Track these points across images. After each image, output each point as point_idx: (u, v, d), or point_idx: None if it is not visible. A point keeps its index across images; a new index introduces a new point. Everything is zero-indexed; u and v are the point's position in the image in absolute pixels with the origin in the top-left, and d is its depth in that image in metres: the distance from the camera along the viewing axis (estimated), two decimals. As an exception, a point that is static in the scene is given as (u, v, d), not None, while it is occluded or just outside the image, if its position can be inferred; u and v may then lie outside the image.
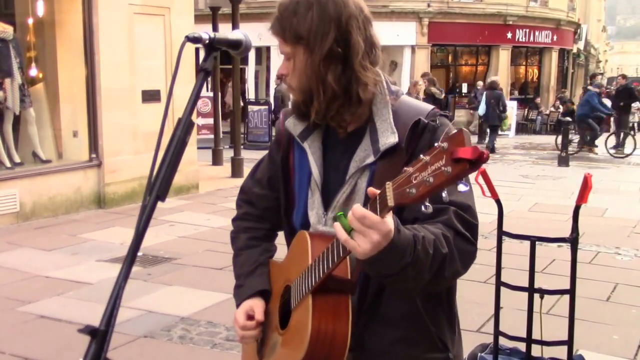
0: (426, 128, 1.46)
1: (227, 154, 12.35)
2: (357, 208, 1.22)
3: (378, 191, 1.22)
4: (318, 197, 1.58)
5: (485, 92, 16.92)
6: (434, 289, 1.48)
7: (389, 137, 1.48)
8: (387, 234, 1.21)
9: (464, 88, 25.45)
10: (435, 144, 1.09)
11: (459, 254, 1.40)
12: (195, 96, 1.35)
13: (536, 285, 2.90)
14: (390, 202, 1.16)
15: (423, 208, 1.13)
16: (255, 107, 16.58)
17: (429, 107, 1.55)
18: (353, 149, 1.54)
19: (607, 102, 18.21)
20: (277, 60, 21.31)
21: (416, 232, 1.32)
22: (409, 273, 1.30)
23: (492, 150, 15.94)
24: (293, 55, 1.50)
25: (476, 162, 1.03)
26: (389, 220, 1.22)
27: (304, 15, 1.45)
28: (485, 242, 6.20)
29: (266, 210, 1.79)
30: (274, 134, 1.93)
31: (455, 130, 1.07)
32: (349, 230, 1.23)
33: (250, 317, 1.66)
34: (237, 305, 1.71)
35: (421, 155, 1.11)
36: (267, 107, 16.37)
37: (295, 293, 1.51)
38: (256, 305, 1.67)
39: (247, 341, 1.69)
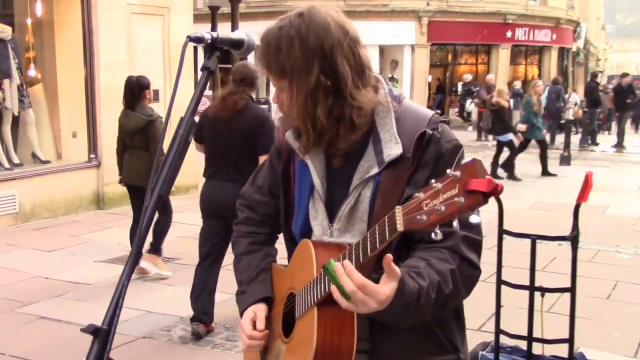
0: (431, 140, 1.46)
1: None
2: (355, 274, 1.25)
3: (391, 260, 1.24)
4: (322, 208, 1.57)
5: (547, 87, 17.33)
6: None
7: (392, 148, 1.47)
8: (385, 301, 1.25)
9: (461, 87, 25.47)
10: (448, 171, 1.09)
11: (462, 280, 1.42)
12: (199, 95, 1.35)
13: (537, 284, 2.90)
14: (400, 227, 1.17)
15: (433, 235, 1.13)
16: (255, 107, 16.55)
17: (430, 113, 1.54)
18: (356, 159, 1.53)
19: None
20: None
21: (421, 281, 1.34)
22: (408, 320, 1.37)
23: (551, 141, 16.33)
24: (282, 89, 1.50)
25: (490, 194, 1.03)
26: (388, 287, 1.25)
27: (287, 52, 1.43)
28: (486, 241, 6.12)
29: (266, 216, 1.78)
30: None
31: (469, 160, 1.07)
32: (348, 298, 1.25)
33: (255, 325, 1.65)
34: (241, 313, 1.69)
35: (433, 182, 1.11)
36: (267, 106, 16.34)
37: (300, 303, 1.50)
38: (259, 310, 1.65)
39: (253, 350, 1.67)
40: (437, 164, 1.44)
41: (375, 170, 1.48)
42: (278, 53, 1.44)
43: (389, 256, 1.23)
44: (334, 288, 1.26)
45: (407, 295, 1.29)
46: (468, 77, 21.56)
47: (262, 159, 3.86)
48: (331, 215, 1.55)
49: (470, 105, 21.01)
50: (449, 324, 1.56)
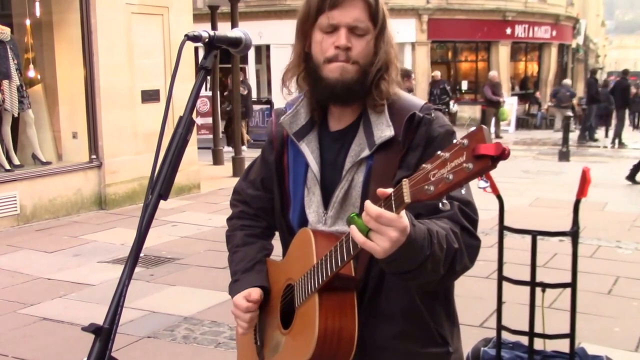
0: (421, 121, 1.48)
1: (227, 153, 12.34)
2: (371, 207, 1.20)
3: (389, 190, 1.20)
4: (318, 195, 1.58)
5: (614, 82, 17.27)
6: (444, 285, 1.49)
7: (384, 131, 1.49)
8: (404, 229, 1.21)
9: (465, 85, 25.45)
10: (455, 141, 1.09)
11: (466, 248, 1.41)
12: (196, 94, 1.35)
13: (538, 280, 2.90)
14: (407, 199, 1.15)
15: (440, 205, 1.12)
16: (257, 106, 16.58)
17: (422, 101, 1.57)
18: (348, 144, 1.54)
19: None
20: (277, 59, 21.23)
21: (429, 226, 1.31)
22: (427, 267, 1.29)
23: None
24: (366, 32, 1.50)
25: (498, 158, 1.03)
26: (404, 216, 1.21)
27: (381, 3, 1.53)
28: (487, 239, 6.20)
29: (260, 210, 1.78)
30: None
31: (476, 128, 1.07)
32: (366, 232, 1.22)
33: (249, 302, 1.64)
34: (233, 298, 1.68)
35: (439, 152, 1.11)
36: (268, 105, 16.38)
37: (299, 292, 1.50)
38: (253, 290, 1.64)
39: (251, 325, 1.66)
40: (429, 146, 1.45)
41: (366, 152, 1.50)
42: (380, 2, 1.52)
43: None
44: (352, 228, 1.24)
45: (419, 232, 1.25)
46: (437, 74, 20.27)
47: None
48: (326, 203, 1.57)
49: (454, 107, 20.59)
50: (440, 317, 1.56)
